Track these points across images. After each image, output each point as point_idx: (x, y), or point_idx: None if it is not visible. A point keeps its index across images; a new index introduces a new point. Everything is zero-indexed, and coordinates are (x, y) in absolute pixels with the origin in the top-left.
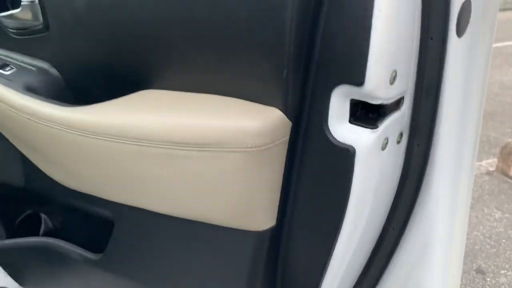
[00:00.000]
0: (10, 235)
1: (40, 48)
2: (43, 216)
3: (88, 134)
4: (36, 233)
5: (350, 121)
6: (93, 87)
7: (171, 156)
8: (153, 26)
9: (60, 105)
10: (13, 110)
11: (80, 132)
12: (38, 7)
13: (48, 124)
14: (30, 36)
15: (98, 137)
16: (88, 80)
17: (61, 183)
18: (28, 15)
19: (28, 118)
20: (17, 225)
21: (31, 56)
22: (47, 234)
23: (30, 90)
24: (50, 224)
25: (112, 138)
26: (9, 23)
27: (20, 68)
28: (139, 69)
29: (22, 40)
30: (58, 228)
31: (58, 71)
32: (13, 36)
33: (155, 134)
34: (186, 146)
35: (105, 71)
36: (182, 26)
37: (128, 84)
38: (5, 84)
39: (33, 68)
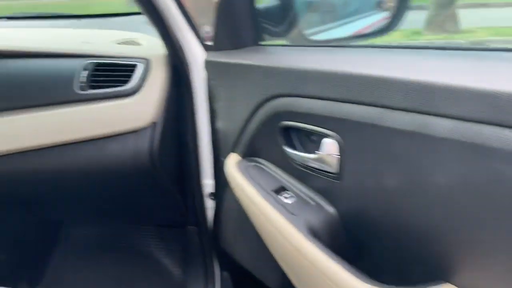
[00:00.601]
0: None
1: (321, 184)
2: None
3: None
4: None
5: None
6: (373, 243)
7: None
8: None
9: (361, 279)
10: (295, 249)
11: None
12: (339, 161)
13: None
14: (314, 174)
15: None
16: (369, 234)
17: None
18: (322, 162)
19: (310, 265)
20: None
21: (308, 186)
22: None
23: (313, 231)
24: None
25: None
26: (295, 156)
27: (298, 198)
28: (432, 254)
29: (303, 171)
30: None
31: (337, 210)
32: (295, 166)
33: None
34: None
35: (390, 236)
36: None
37: (415, 259)
38: (288, 218)
39: (312, 202)
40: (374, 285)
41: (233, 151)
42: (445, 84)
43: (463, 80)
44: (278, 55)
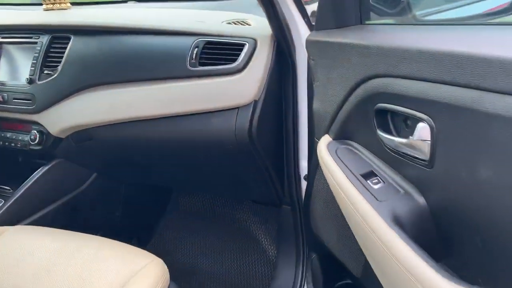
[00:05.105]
0: None
1: (412, 172)
2: None
3: None
4: None
5: None
6: (463, 238)
7: None
8: None
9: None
10: (376, 237)
11: None
12: (429, 147)
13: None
14: (406, 160)
15: None
16: (459, 229)
17: None
18: (413, 147)
19: (390, 255)
20: None
21: (399, 173)
22: None
23: (398, 220)
24: None
25: None
26: (388, 141)
27: (387, 184)
28: None
29: (395, 156)
30: None
31: (426, 201)
32: (387, 151)
33: None
34: None
35: (481, 231)
36: None
37: (506, 259)
38: (373, 204)
39: (401, 190)
40: (458, 284)
41: (326, 132)
42: None
43: None
44: (380, 33)
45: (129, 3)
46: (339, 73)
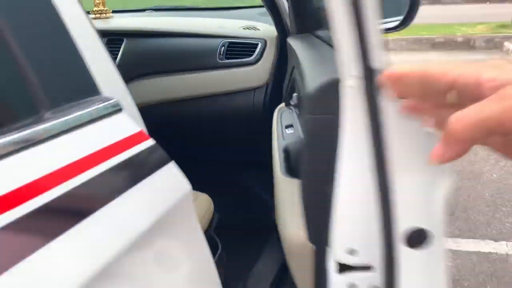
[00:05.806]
0: None
1: (300, 121)
2: None
3: None
4: None
5: None
6: None
7: None
8: None
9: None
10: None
11: None
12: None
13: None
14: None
15: None
16: None
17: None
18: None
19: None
20: None
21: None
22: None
23: (285, 150)
24: None
25: None
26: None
27: (295, 131)
28: None
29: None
30: None
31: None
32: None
33: None
34: None
35: None
36: None
37: None
38: (279, 141)
39: (300, 134)
40: (287, 177)
41: (284, 101)
42: None
43: None
44: (302, 41)
45: (147, 12)
46: (289, 63)
